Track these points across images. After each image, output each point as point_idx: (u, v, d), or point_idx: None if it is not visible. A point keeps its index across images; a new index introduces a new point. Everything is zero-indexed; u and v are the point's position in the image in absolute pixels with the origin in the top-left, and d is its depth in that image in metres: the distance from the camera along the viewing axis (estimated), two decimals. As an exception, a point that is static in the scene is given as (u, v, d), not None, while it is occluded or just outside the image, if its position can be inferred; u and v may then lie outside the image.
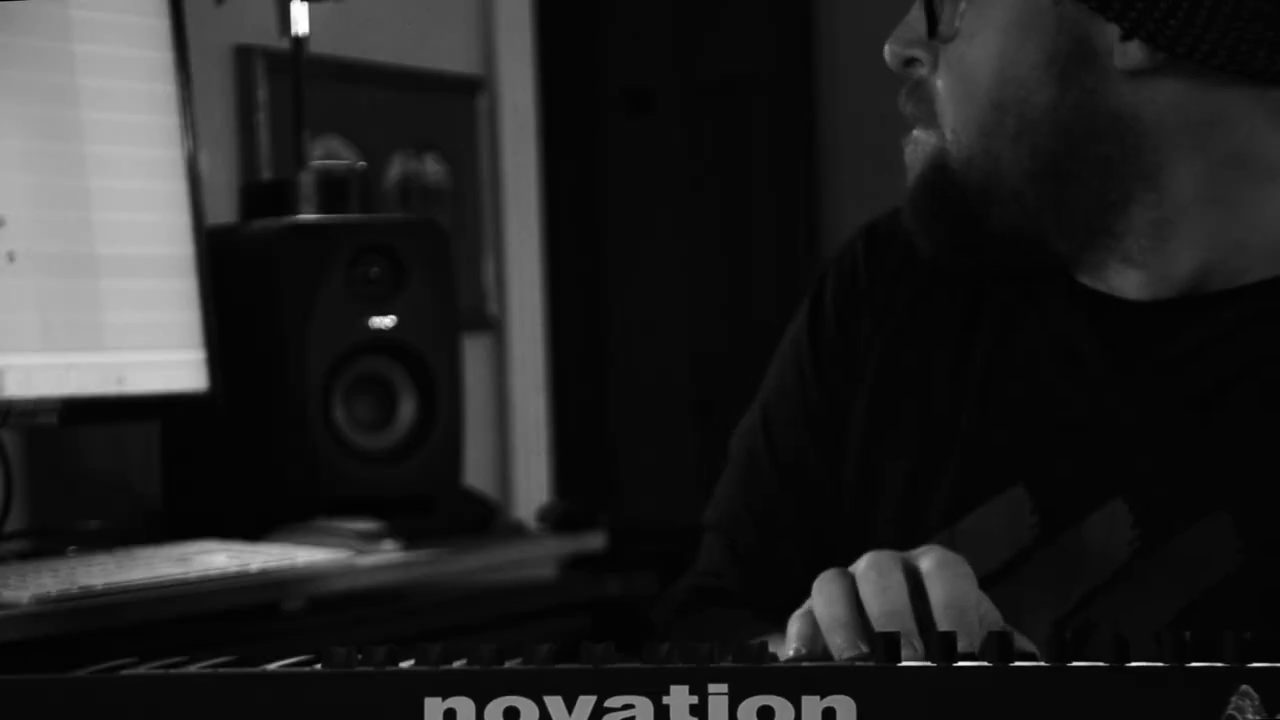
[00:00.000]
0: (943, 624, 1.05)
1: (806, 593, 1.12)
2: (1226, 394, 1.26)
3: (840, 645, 1.05)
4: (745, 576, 1.41)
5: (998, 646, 0.92)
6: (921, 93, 1.28)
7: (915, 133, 1.29)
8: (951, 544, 1.28)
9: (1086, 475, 1.27)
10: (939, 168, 1.27)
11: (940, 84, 1.27)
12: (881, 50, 1.29)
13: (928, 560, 1.09)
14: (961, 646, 1.00)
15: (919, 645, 1.04)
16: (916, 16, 1.27)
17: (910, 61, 1.28)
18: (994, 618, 1.09)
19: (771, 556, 1.40)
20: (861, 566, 1.09)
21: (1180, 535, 1.24)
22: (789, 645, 1.09)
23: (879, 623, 1.05)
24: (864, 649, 1.04)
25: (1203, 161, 1.26)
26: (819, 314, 1.41)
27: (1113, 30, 1.23)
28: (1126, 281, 1.29)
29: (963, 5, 1.25)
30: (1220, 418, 1.26)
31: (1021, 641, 1.10)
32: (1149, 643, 1.16)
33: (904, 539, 1.23)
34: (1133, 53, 1.23)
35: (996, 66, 1.24)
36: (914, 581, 1.08)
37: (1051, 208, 1.26)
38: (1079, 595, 1.26)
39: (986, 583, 1.24)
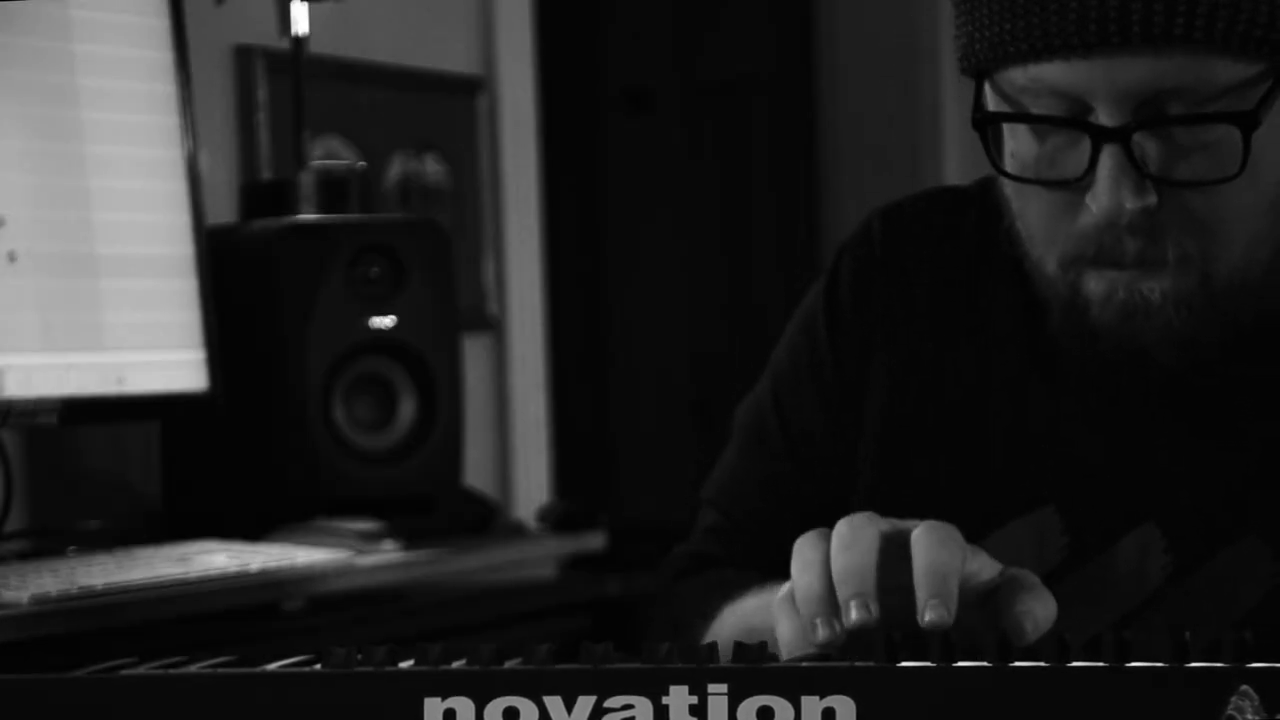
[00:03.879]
0: (922, 589, 1.03)
1: None
2: (1256, 420, 1.26)
3: (811, 615, 1.05)
4: (747, 544, 1.41)
5: (997, 647, 0.92)
6: (1161, 235, 1.20)
7: (1140, 272, 1.21)
8: None
9: (1121, 497, 1.27)
10: (1209, 296, 1.21)
11: (1190, 219, 1.20)
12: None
13: (918, 527, 1.08)
14: (939, 616, 1.01)
15: (874, 608, 1.03)
16: (1124, 169, 1.18)
17: (1141, 210, 1.19)
18: (987, 572, 1.08)
19: (775, 525, 1.39)
20: (838, 525, 1.09)
21: (1213, 560, 1.24)
22: (783, 646, 1.09)
23: (837, 579, 1.05)
24: (837, 629, 1.04)
25: None
26: (835, 294, 1.40)
27: None
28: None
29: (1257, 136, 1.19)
30: (1251, 443, 1.26)
31: (1026, 577, 1.09)
32: (1174, 643, 1.15)
33: None
34: None
35: (1264, 179, 1.20)
36: (899, 546, 1.07)
37: None
38: (1112, 620, 1.26)
39: None
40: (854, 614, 1.03)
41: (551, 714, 0.91)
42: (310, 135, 2.32)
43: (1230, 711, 0.86)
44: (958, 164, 3.85)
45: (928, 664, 0.91)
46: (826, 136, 4.17)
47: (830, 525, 1.32)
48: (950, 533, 1.07)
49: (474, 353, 2.82)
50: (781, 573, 1.15)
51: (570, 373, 3.98)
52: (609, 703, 0.90)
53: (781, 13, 4.24)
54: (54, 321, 1.89)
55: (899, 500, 1.32)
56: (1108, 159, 1.18)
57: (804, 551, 1.09)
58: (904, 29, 3.93)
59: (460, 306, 2.45)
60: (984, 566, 1.08)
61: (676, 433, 4.29)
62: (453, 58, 2.87)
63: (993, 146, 1.24)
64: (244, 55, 2.54)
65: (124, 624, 1.71)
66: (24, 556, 1.90)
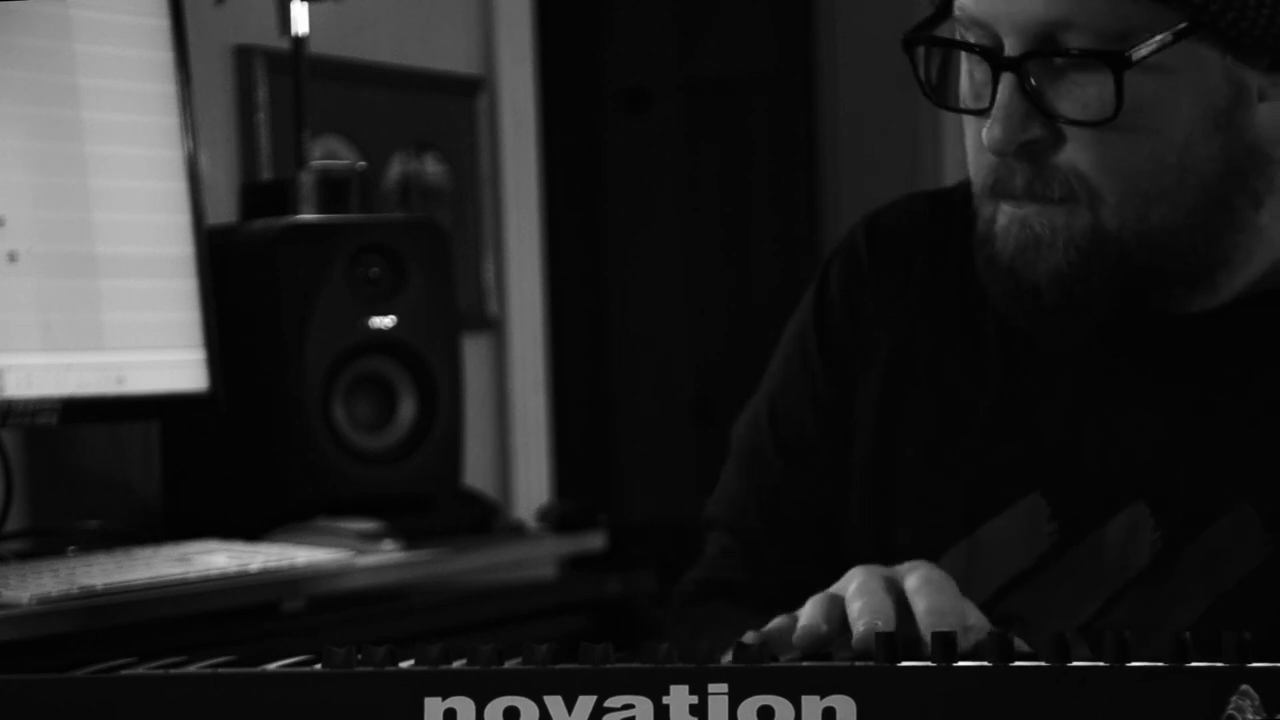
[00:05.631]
0: (925, 629, 1.06)
1: (813, 583, 1.12)
2: (1240, 392, 1.27)
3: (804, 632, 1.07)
4: (751, 565, 1.42)
5: (998, 647, 0.92)
6: (1050, 172, 1.22)
7: (1039, 208, 1.23)
8: (971, 553, 1.28)
9: (1106, 480, 1.28)
10: (1098, 242, 1.23)
11: (1083, 159, 1.21)
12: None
13: (914, 579, 1.10)
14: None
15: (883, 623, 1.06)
16: (1012, 99, 1.21)
17: (1029, 142, 1.22)
18: (982, 626, 1.10)
19: (777, 544, 1.40)
20: (851, 588, 1.10)
21: (1205, 532, 1.25)
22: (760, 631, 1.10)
23: (854, 615, 1.07)
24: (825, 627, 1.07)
25: None
26: (825, 303, 1.42)
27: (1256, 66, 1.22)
28: (1177, 306, 1.29)
29: (1136, 84, 1.19)
30: (1238, 415, 1.26)
31: (1018, 644, 1.10)
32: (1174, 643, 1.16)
33: (921, 546, 1.23)
34: (1279, 81, 1.23)
35: (1168, 135, 1.21)
36: (900, 600, 1.09)
37: (1206, 247, 1.25)
38: (1103, 599, 1.26)
39: (1008, 590, 1.24)
40: (862, 627, 1.05)
41: (552, 714, 0.91)
42: (310, 135, 2.32)
43: (1230, 711, 0.86)
44: (958, 164, 3.84)
45: (928, 664, 0.91)
46: (826, 136, 4.17)
47: (833, 542, 1.33)
48: (946, 582, 1.10)
49: (474, 353, 2.82)
50: (788, 595, 1.16)
51: (570, 373, 3.98)
52: (609, 703, 0.90)
53: (781, 12, 4.24)
54: (54, 321, 1.89)
55: (892, 502, 1.33)
56: (1002, 89, 1.21)
57: (817, 606, 1.10)
58: (904, 29, 3.92)
59: (460, 306, 2.45)
60: (980, 620, 1.10)
61: (676, 433, 4.29)
62: (453, 58, 2.87)
63: (920, 71, 1.27)
64: (244, 55, 2.54)
65: (124, 624, 1.71)
66: (24, 556, 1.90)
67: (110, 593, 1.70)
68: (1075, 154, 1.21)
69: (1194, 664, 0.88)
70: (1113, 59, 1.17)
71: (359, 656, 0.96)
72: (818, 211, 4.19)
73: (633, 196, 4.34)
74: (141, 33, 2.01)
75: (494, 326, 2.93)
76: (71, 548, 1.94)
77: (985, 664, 0.90)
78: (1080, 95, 1.20)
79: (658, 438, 4.32)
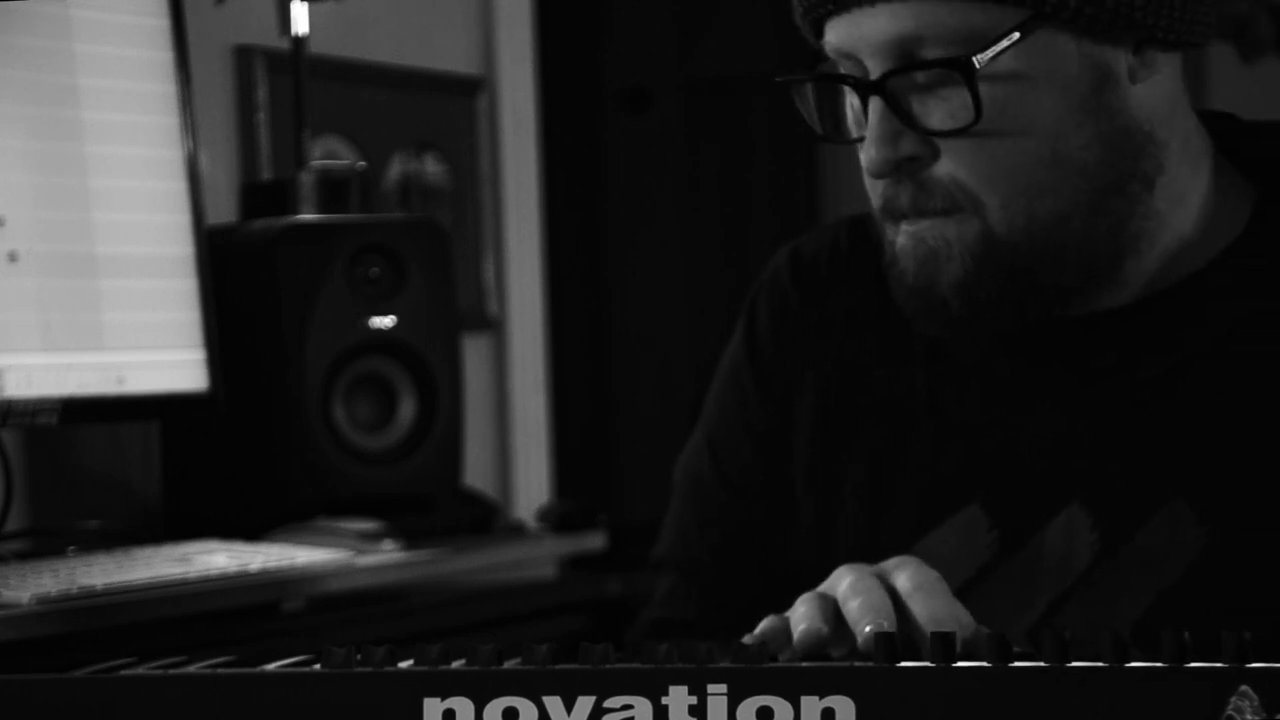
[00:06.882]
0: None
1: (764, 612, 1.13)
2: (1169, 388, 1.27)
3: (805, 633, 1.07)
4: (701, 600, 1.43)
5: (996, 647, 0.92)
6: (931, 185, 1.24)
7: (931, 223, 1.24)
8: None
9: (1040, 486, 1.28)
10: (990, 246, 1.23)
11: (959, 168, 1.22)
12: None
13: (904, 579, 1.10)
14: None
15: (888, 624, 1.06)
16: (882, 121, 1.22)
17: (906, 160, 1.23)
18: (969, 624, 1.10)
19: (725, 576, 1.42)
20: (843, 588, 1.10)
21: (1140, 530, 1.25)
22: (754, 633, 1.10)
23: (854, 616, 1.07)
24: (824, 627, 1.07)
25: (1176, 155, 1.27)
26: (754, 335, 1.44)
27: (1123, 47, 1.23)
28: (1087, 300, 1.29)
29: (994, 86, 1.20)
30: (1166, 411, 1.27)
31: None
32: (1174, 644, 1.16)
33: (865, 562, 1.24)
34: (1149, 60, 1.24)
35: (1038, 130, 1.22)
36: (894, 597, 1.09)
37: (1110, 237, 1.25)
38: (1045, 604, 1.27)
39: None
40: (868, 628, 1.05)
41: (551, 714, 0.91)
42: (310, 135, 2.32)
43: (1230, 712, 0.86)
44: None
45: (927, 664, 0.91)
46: (826, 136, 4.17)
47: (779, 569, 1.33)
48: (940, 583, 1.11)
49: (474, 353, 2.82)
50: (738, 625, 1.16)
51: (570, 373, 3.98)
52: (609, 703, 0.90)
53: (781, 12, 4.23)
54: (54, 321, 1.89)
55: (835, 525, 1.34)
56: (871, 111, 1.23)
57: (808, 603, 1.10)
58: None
59: (460, 306, 2.45)
60: (968, 619, 1.10)
61: (676, 433, 4.28)
62: (453, 58, 2.87)
63: (805, 111, 1.29)
64: (244, 55, 2.54)
65: (124, 624, 1.71)
66: (24, 556, 1.90)
67: (110, 593, 1.70)
68: (951, 164, 1.23)
69: (1194, 664, 0.88)
70: (961, 65, 1.19)
71: (359, 656, 0.96)
72: (818, 211, 4.19)
73: (633, 196, 4.34)
74: (141, 33, 2.01)
75: (494, 326, 2.93)
76: (71, 548, 1.94)
77: (985, 664, 0.90)
78: (948, 107, 1.21)
79: (658, 438, 4.31)
